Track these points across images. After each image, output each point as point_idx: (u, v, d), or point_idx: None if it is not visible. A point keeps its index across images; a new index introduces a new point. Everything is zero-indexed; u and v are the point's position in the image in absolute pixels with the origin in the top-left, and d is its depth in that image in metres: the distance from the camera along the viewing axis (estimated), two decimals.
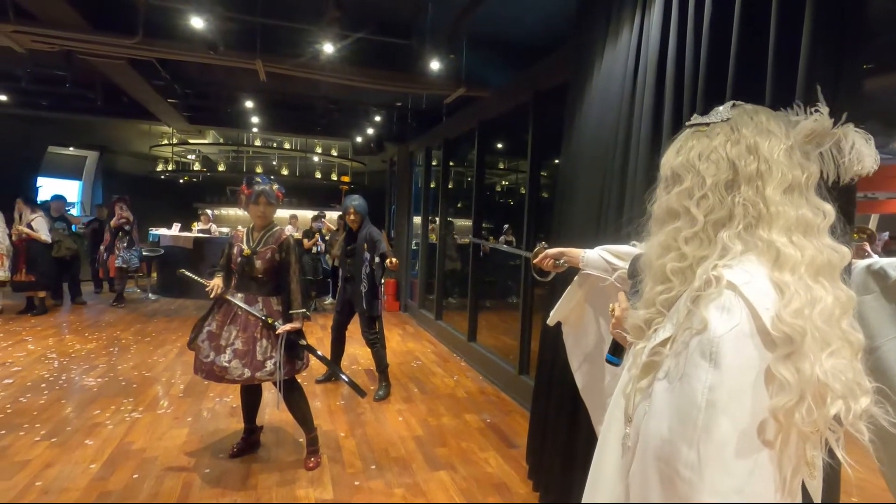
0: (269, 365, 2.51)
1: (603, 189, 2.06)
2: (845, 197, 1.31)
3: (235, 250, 2.61)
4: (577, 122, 2.41)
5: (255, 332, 2.52)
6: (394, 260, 3.81)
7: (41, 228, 6.05)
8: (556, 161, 4.58)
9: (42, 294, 6.19)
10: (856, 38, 1.30)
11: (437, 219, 6.37)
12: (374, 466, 2.76)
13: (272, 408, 3.40)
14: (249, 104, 6.51)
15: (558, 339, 2.26)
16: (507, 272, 7.62)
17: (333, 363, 3.67)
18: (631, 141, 1.92)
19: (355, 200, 3.87)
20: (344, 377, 2.87)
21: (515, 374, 3.96)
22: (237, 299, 2.56)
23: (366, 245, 3.77)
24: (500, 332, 5.69)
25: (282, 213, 10.43)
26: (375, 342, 3.86)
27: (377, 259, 3.77)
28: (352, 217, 3.84)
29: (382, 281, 3.98)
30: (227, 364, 2.45)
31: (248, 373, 2.47)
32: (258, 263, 2.56)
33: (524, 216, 3.96)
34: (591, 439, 1.98)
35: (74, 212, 9.72)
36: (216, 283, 2.56)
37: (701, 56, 1.61)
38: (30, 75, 5.71)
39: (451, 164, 6.29)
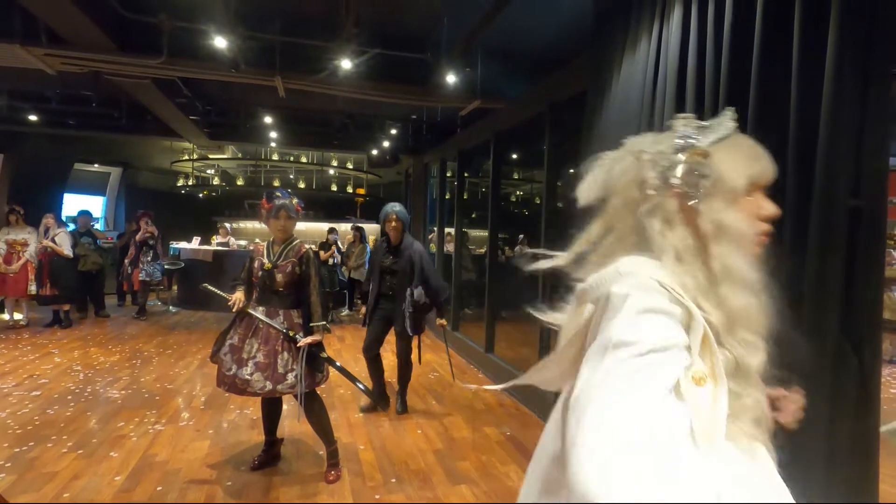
0: (290, 378, 2.52)
1: None
2: (876, 202, 1.30)
3: (256, 264, 2.64)
4: (596, 131, 2.41)
5: (276, 345, 2.54)
6: (444, 322, 3.71)
7: (64, 243, 6.22)
8: (572, 171, 4.58)
9: (66, 307, 6.35)
10: (884, 42, 1.28)
11: (453, 230, 6.38)
12: (394, 480, 2.74)
13: (292, 420, 3.41)
14: (268, 119, 6.65)
15: None
16: (524, 282, 7.57)
17: (373, 384, 3.69)
18: None
19: (396, 206, 3.57)
20: (361, 386, 2.86)
21: (535, 387, 3.91)
22: (259, 312, 2.59)
23: (411, 269, 3.51)
24: (518, 344, 5.64)
25: (301, 227, 10.56)
26: (407, 359, 3.69)
27: (423, 299, 3.52)
28: (393, 224, 3.54)
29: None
30: (248, 377, 2.47)
31: (269, 385, 2.49)
32: (279, 277, 2.59)
33: (541, 226, 3.94)
34: None
35: (98, 227, 9.98)
36: (238, 297, 2.59)
37: (722, 65, 1.60)
38: (59, 95, 5.92)
39: (466, 175, 6.32)
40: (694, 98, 1.67)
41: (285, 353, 2.55)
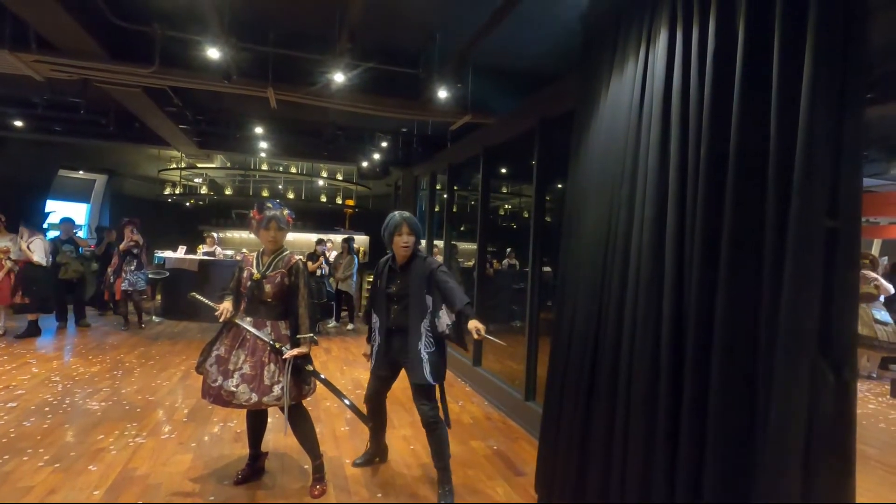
0: (276, 389, 2.50)
1: (611, 216, 2.09)
2: (850, 222, 1.35)
3: (245, 274, 2.63)
4: (584, 149, 2.46)
5: (262, 356, 2.52)
6: (480, 327, 2.33)
7: (37, 250, 6.09)
8: (560, 186, 4.65)
9: (34, 317, 6.19)
10: (858, 70, 1.35)
11: (441, 243, 6.41)
12: (380, 495, 2.72)
13: (277, 433, 3.37)
14: (258, 129, 6.64)
15: (568, 366, 2.26)
16: (511, 296, 7.61)
17: (370, 439, 3.08)
18: (638, 170, 1.96)
19: (406, 214, 2.69)
20: (347, 402, 2.83)
21: (522, 401, 3.92)
22: (246, 323, 2.57)
23: (428, 291, 2.60)
24: (506, 357, 5.64)
25: (289, 237, 10.50)
26: (437, 421, 2.61)
27: (449, 316, 2.56)
28: (404, 239, 2.62)
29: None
30: (234, 388, 2.45)
31: (255, 397, 2.46)
32: (268, 287, 2.58)
33: (530, 240, 3.99)
34: (608, 468, 1.96)
35: (81, 234, 9.81)
36: (225, 307, 2.56)
37: (705, 88, 1.66)
38: (46, 101, 5.86)
39: (455, 188, 6.37)
40: (679, 119, 1.73)
41: (272, 365, 2.52)
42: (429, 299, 2.61)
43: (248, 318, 2.60)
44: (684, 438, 1.62)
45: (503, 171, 9.60)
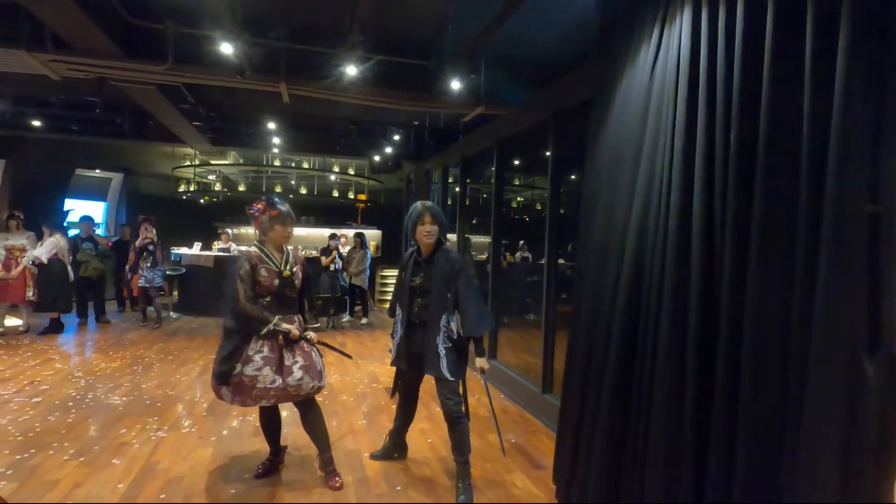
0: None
1: (631, 204, 2.04)
2: (893, 206, 1.29)
3: (265, 272, 2.53)
4: (602, 138, 2.41)
5: (303, 345, 2.59)
6: (486, 368, 2.60)
7: (44, 246, 6.20)
8: (574, 177, 4.60)
9: (55, 314, 6.32)
10: None
11: (454, 236, 6.38)
12: (399, 488, 2.72)
13: (296, 428, 3.38)
14: (271, 125, 6.66)
15: (591, 358, 2.22)
16: (525, 289, 7.57)
17: (392, 430, 3.04)
18: (657, 156, 1.91)
19: (429, 203, 2.65)
20: (331, 347, 2.80)
21: (539, 394, 3.90)
22: (286, 322, 2.55)
23: (447, 287, 2.56)
24: (521, 350, 5.62)
25: (302, 232, 10.54)
26: (460, 416, 2.58)
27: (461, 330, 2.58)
28: (427, 228, 2.57)
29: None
30: (299, 381, 2.50)
31: (315, 382, 2.57)
32: (296, 283, 2.62)
33: (546, 232, 3.94)
34: (633, 464, 1.93)
35: (100, 232, 9.97)
36: (293, 328, 2.53)
37: (734, 69, 1.61)
38: (63, 101, 5.93)
39: (468, 181, 6.33)
40: (706, 102, 1.67)
41: (311, 352, 2.61)
42: (450, 296, 2.57)
43: (278, 316, 2.53)
44: (713, 434, 1.58)
45: (517, 162, 9.54)
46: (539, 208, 11.82)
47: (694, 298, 1.65)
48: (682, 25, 1.83)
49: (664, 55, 1.96)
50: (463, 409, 2.62)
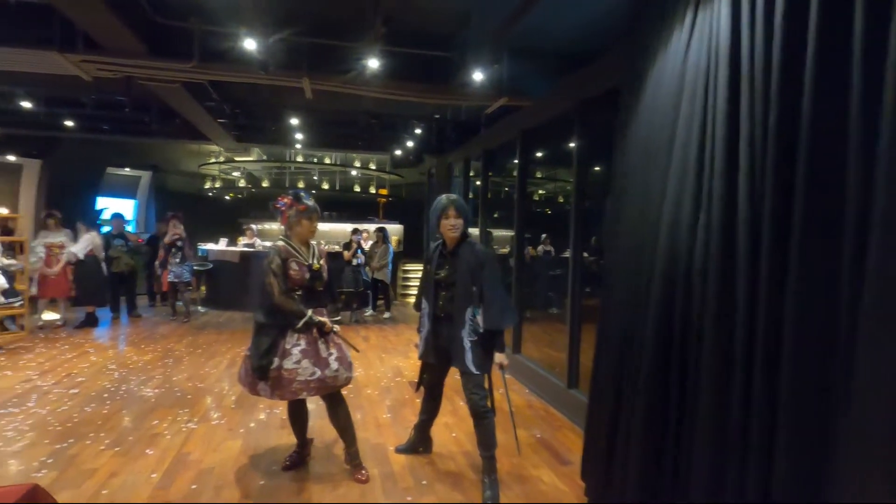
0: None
1: (665, 195, 1.97)
2: None
3: (296, 266, 2.54)
4: (632, 126, 2.34)
5: (333, 337, 2.62)
6: (505, 363, 2.54)
7: (80, 243, 6.42)
8: (598, 168, 4.50)
9: (90, 308, 6.53)
10: None
11: (476, 230, 6.34)
12: (425, 482, 2.72)
13: (323, 420, 3.41)
14: (294, 121, 6.71)
15: (624, 356, 2.17)
16: (548, 283, 7.48)
17: (417, 424, 3.04)
18: (691, 143, 1.84)
19: (454, 196, 2.63)
20: (342, 338, 2.75)
21: (564, 388, 3.85)
22: (319, 315, 2.58)
23: (471, 279, 2.52)
24: (544, 345, 5.56)
25: (325, 227, 10.64)
26: (486, 411, 2.54)
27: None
28: (452, 222, 2.55)
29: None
30: (336, 373, 2.55)
31: (348, 373, 2.63)
32: (324, 276, 2.66)
33: (570, 225, 3.87)
34: (673, 463, 1.87)
35: (130, 229, 10.26)
36: (326, 320, 2.59)
37: (773, 49, 1.52)
38: (93, 101, 6.09)
39: (490, 174, 6.27)
40: (748, 87, 1.59)
41: (341, 343, 2.66)
42: (475, 289, 2.53)
43: (310, 310, 2.55)
44: (756, 435, 1.52)
45: (540, 154, 9.42)
46: (561, 201, 11.66)
47: (741, 293, 1.58)
48: (719, 6, 1.75)
49: (699, 38, 1.88)
50: (489, 403, 2.58)
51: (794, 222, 1.43)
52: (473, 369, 2.52)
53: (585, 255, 4.10)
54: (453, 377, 2.81)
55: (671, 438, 1.86)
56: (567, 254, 4.02)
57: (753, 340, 1.55)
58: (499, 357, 2.54)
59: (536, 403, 4.07)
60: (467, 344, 2.53)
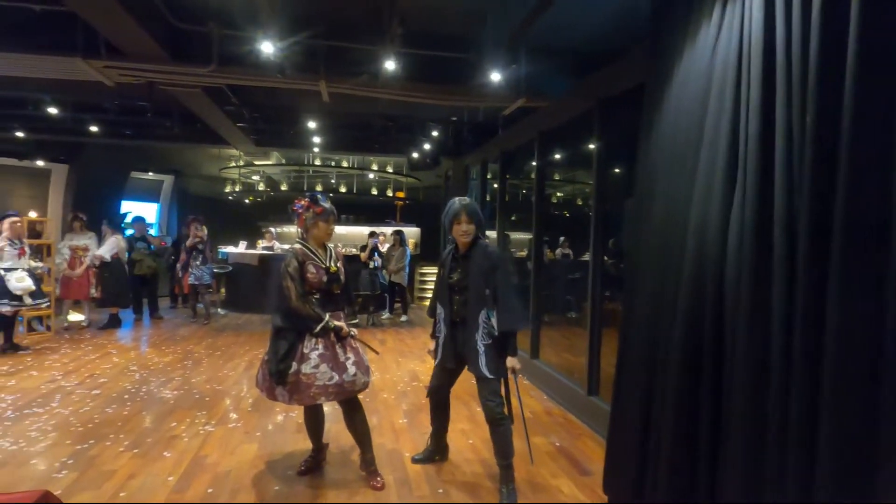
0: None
1: (694, 196, 1.89)
2: None
3: (313, 268, 2.51)
4: (657, 125, 2.26)
5: (350, 341, 2.59)
6: (517, 367, 2.50)
7: (106, 245, 6.54)
8: (618, 170, 4.40)
9: (114, 309, 6.65)
10: None
11: (493, 233, 6.27)
12: (441, 490, 2.66)
13: (338, 425, 3.39)
14: (311, 125, 6.75)
15: (651, 360, 2.08)
16: (566, 286, 7.37)
17: (431, 435, 2.97)
18: (720, 139, 1.76)
19: (466, 200, 2.58)
20: (362, 342, 2.74)
21: (584, 395, 3.75)
22: (337, 319, 2.56)
23: (485, 282, 2.47)
24: (563, 349, 5.46)
25: (342, 230, 10.70)
26: (503, 417, 2.49)
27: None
28: (464, 228, 2.51)
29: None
30: (353, 377, 2.51)
31: (365, 378, 2.59)
32: (342, 278, 2.62)
33: (591, 227, 3.78)
34: (708, 476, 1.78)
35: (152, 232, 10.46)
36: (343, 324, 2.56)
37: (811, 42, 1.44)
38: (116, 107, 6.22)
39: (507, 176, 6.20)
40: (785, 80, 1.50)
41: (358, 347, 2.63)
42: (488, 291, 2.48)
43: (328, 314, 2.52)
44: (796, 447, 1.43)
45: (558, 156, 9.31)
46: (580, 203, 11.51)
47: (776, 297, 1.49)
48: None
49: (728, 33, 1.79)
50: (505, 410, 2.52)
51: (836, 224, 1.34)
52: (488, 373, 2.47)
53: (605, 258, 4.00)
54: (469, 382, 2.75)
55: (704, 451, 1.77)
56: (586, 257, 3.93)
57: (791, 348, 1.47)
58: (511, 361, 2.49)
59: (555, 410, 3.98)
60: (481, 348, 2.48)
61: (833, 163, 1.38)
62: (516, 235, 8.74)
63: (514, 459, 2.58)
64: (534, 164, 4.88)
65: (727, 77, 1.77)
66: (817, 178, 1.42)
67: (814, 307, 1.42)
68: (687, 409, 1.84)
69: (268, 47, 3.63)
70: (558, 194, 12.35)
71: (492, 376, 2.48)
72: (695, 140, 1.89)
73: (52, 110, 5.96)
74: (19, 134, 6.89)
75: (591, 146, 3.79)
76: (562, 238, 9.22)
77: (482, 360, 2.47)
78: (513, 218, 9.72)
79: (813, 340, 1.42)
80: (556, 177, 11.19)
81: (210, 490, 2.58)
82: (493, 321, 2.47)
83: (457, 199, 2.61)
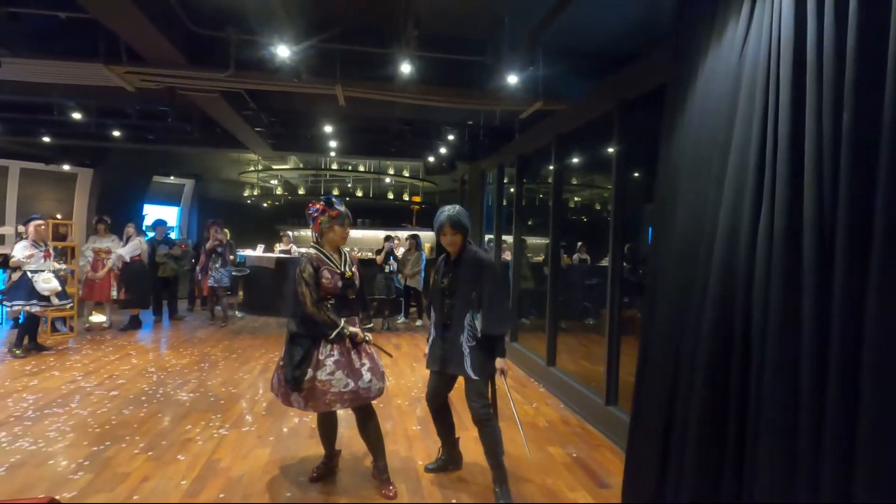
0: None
1: (719, 200, 1.81)
2: None
3: (328, 273, 2.48)
4: (680, 128, 2.18)
5: (365, 347, 2.57)
6: (506, 370, 2.57)
7: (128, 246, 6.66)
8: (638, 174, 4.30)
9: (135, 311, 6.75)
10: None
11: (510, 237, 6.20)
12: (454, 501, 2.60)
13: (351, 430, 3.35)
14: (328, 129, 6.78)
15: (674, 369, 2.00)
16: (583, 292, 7.24)
17: (441, 444, 2.94)
18: (751, 143, 1.67)
19: (449, 210, 2.60)
20: (377, 346, 2.73)
21: (602, 405, 3.65)
22: (352, 325, 2.54)
23: (472, 286, 2.55)
24: (580, 357, 5.35)
25: (358, 234, 10.73)
26: (488, 418, 2.57)
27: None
28: (448, 238, 2.59)
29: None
30: (369, 384, 2.49)
31: (381, 384, 2.57)
32: (356, 283, 2.59)
33: (610, 232, 3.69)
34: (737, 491, 1.69)
35: (173, 235, 10.64)
36: (358, 330, 2.54)
37: (848, 40, 1.36)
38: (138, 112, 6.34)
39: (524, 180, 6.13)
40: (815, 80, 1.42)
41: (372, 353, 2.61)
42: (475, 294, 2.56)
43: (343, 319, 2.50)
44: (830, 464, 1.34)
45: (576, 160, 9.20)
46: (598, 208, 11.35)
47: (808, 305, 1.41)
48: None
49: (757, 31, 1.72)
50: (491, 410, 2.60)
51: (877, 228, 1.25)
52: (472, 374, 2.53)
53: (624, 264, 3.90)
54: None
55: (730, 465, 1.69)
56: (605, 262, 3.83)
57: (825, 359, 1.38)
58: (499, 363, 2.55)
59: (572, 419, 3.88)
60: (466, 349, 2.56)
61: (872, 165, 1.30)
62: (533, 240, 8.65)
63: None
64: (551, 167, 4.80)
65: (757, 77, 1.70)
66: (854, 181, 1.34)
67: (851, 315, 1.33)
68: (714, 422, 1.76)
69: (284, 51, 3.64)
70: (576, 199, 12.22)
71: (476, 377, 2.53)
72: (721, 143, 1.82)
73: (77, 116, 6.10)
74: (46, 139, 7.06)
75: (610, 149, 3.71)
76: (579, 243, 9.09)
77: (468, 362, 2.55)
78: (530, 222, 9.61)
79: (849, 349, 1.34)
80: (574, 181, 11.07)
81: (222, 495, 2.56)
82: (478, 323, 2.54)
83: (446, 208, 2.64)
